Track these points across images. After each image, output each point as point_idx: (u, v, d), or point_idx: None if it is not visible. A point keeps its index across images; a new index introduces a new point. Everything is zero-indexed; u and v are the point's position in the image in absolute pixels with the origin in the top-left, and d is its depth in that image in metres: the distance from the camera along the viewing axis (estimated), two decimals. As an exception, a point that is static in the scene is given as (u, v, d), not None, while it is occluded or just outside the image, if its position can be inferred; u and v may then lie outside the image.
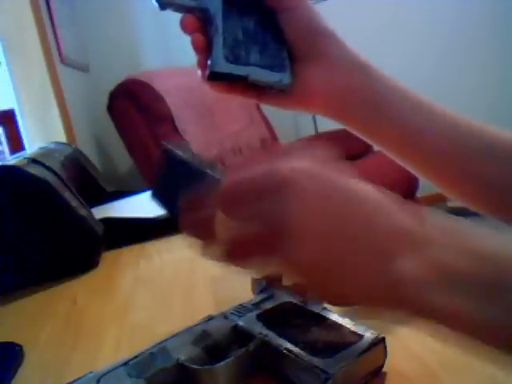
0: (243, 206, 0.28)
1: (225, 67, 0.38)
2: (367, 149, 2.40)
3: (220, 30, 0.39)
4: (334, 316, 0.36)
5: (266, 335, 0.35)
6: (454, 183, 0.34)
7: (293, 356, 0.32)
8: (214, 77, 0.39)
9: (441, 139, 0.37)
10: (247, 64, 0.39)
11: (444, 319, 0.25)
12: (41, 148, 0.88)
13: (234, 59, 0.38)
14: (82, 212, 0.71)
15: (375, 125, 0.34)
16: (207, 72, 0.39)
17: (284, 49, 0.40)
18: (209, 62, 0.38)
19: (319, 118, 2.58)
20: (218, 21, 0.39)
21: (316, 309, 0.38)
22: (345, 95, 0.39)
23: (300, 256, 0.27)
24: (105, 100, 2.27)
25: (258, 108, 2.58)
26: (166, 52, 2.82)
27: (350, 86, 0.39)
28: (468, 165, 0.37)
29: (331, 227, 0.27)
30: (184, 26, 0.40)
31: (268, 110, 2.54)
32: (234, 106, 2.49)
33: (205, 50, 0.39)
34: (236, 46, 0.39)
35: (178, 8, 0.40)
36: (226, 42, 0.38)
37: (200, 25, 0.40)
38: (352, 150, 1.66)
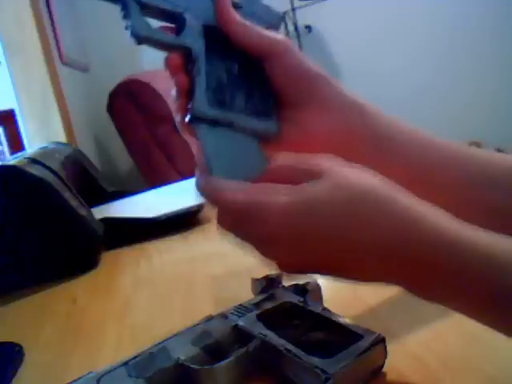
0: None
1: (208, 112, 0.35)
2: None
3: (203, 72, 0.36)
4: (334, 316, 0.36)
5: (265, 335, 0.35)
6: (460, 210, 0.34)
7: (293, 356, 0.32)
8: (196, 122, 0.35)
9: (450, 175, 0.37)
10: (231, 110, 0.36)
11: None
12: (41, 148, 0.88)
13: (218, 104, 0.35)
14: (82, 212, 0.71)
15: (379, 164, 0.34)
16: (188, 116, 0.35)
17: (270, 96, 0.38)
18: (189, 106, 0.35)
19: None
20: (201, 62, 0.36)
21: (316, 309, 0.38)
22: (345, 137, 0.38)
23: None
24: (105, 100, 2.27)
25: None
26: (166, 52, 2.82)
27: (349, 128, 0.38)
28: (474, 193, 0.38)
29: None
30: (169, 66, 0.37)
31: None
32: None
33: (188, 92, 0.36)
34: (220, 90, 0.36)
35: (157, 45, 0.37)
36: (210, 85, 0.36)
37: (184, 64, 0.37)
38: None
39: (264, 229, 0.31)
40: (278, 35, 0.38)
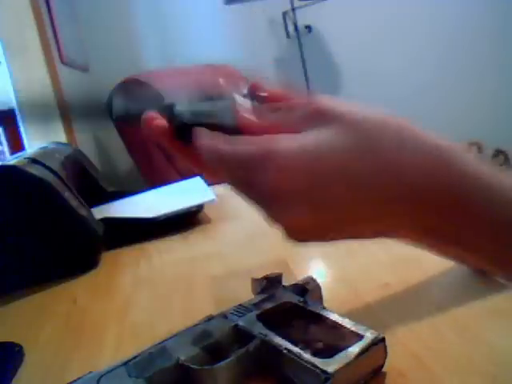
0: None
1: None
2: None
3: None
4: (334, 316, 0.36)
5: (265, 335, 0.35)
6: None
7: (293, 356, 0.32)
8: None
9: None
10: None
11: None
12: (41, 148, 0.88)
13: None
14: (82, 212, 0.71)
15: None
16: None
17: None
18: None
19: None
20: None
21: (316, 309, 0.38)
22: None
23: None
24: (105, 100, 2.27)
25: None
26: (166, 52, 2.82)
27: None
28: None
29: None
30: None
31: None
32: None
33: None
34: None
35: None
36: None
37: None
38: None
39: (273, 177, 0.28)
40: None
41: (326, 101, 0.30)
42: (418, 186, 0.26)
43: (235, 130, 0.32)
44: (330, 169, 0.27)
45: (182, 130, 0.33)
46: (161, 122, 0.34)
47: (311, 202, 0.28)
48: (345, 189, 0.27)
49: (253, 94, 0.35)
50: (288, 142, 0.28)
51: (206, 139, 0.32)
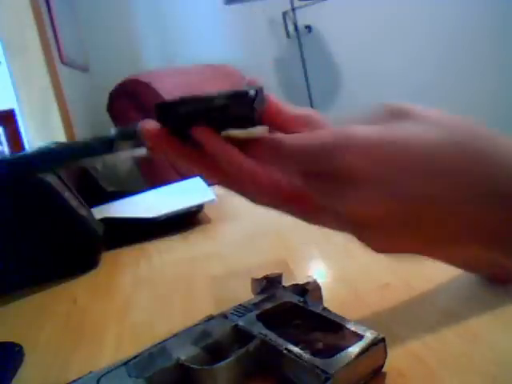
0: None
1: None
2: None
3: None
4: (334, 316, 0.36)
5: (265, 335, 0.35)
6: None
7: (293, 356, 0.32)
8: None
9: None
10: None
11: None
12: (41, 148, 0.88)
13: None
14: (82, 212, 0.71)
15: None
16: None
17: None
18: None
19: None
20: None
21: (316, 309, 0.38)
22: None
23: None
24: (105, 100, 2.27)
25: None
26: (166, 52, 2.82)
27: None
28: None
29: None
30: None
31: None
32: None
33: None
34: None
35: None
36: None
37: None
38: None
39: (350, 161, 0.26)
40: (306, 109, 0.36)
41: (399, 103, 0.29)
42: (506, 187, 0.25)
43: (252, 121, 0.31)
44: (416, 160, 0.26)
45: (179, 125, 0.33)
46: (155, 125, 0.33)
47: (395, 190, 0.26)
48: (428, 181, 0.26)
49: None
50: (367, 130, 0.27)
51: (217, 140, 0.31)
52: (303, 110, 0.35)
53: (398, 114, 0.27)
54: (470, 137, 0.26)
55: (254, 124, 0.32)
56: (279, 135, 0.30)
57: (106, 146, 0.38)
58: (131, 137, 0.36)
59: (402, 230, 0.27)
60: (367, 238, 0.28)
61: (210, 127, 0.32)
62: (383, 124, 0.27)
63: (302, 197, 0.32)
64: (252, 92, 0.31)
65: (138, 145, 0.34)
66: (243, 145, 0.32)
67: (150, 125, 0.33)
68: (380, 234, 0.27)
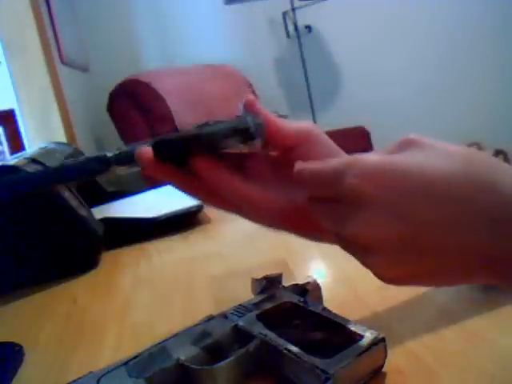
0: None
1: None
2: (366, 149, 2.39)
3: None
4: (334, 316, 0.36)
5: (265, 335, 0.35)
6: None
7: (293, 356, 0.32)
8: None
9: None
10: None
11: None
12: (41, 148, 0.88)
13: None
14: (82, 212, 0.71)
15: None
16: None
17: None
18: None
19: (319, 117, 2.56)
20: None
21: (316, 309, 0.38)
22: None
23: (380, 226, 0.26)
24: (105, 100, 2.27)
25: (258, 108, 2.58)
26: (166, 52, 2.82)
27: None
28: None
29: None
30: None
31: (267, 108, 2.54)
32: (234, 106, 2.49)
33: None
34: None
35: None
36: None
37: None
38: (351, 150, 1.66)
39: (357, 181, 0.27)
40: (305, 123, 0.36)
41: (411, 135, 0.29)
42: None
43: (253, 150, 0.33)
44: (418, 185, 0.26)
45: (177, 160, 0.33)
46: (151, 152, 0.33)
47: (396, 213, 0.26)
48: (431, 206, 0.26)
49: (248, 110, 0.34)
50: (374, 157, 0.28)
51: (218, 171, 0.33)
52: (302, 125, 0.35)
53: (407, 144, 0.28)
54: (475, 164, 0.27)
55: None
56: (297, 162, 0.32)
57: (103, 166, 0.37)
58: (128, 162, 0.36)
59: (404, 255, 0.27)
60: (370, 262, 0.29)
61: (209, 155, 0.33)
62: (393, 153, 0.28)
63: (304, 218, 0.33)
64: (253, 129, 0.32)
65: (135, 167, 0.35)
66: (241, 160, 0.34)
67: (147, 152, 0.33)
68: (383, 259, 0.27)
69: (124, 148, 0.36)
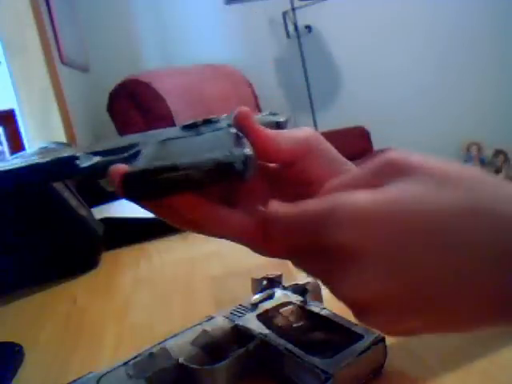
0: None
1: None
2: (366, 149, 2.40)
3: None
4: (334, 316, 0.36)
5: (265, 335, 0.35)
6: None
7: (293, 356, 0.32)
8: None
9: None
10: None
11: None
12: (41, 148, 0.88)
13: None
14: (82, 212, 0.71)
15: None
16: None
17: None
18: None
19: (319, 117, 2.56)
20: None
21: (316, 309, 0.38)
22: None
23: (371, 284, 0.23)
24: (105, 100, 2.27)
25: (258, 107, 2.58)
26: (166, 52, 2.82)
27: None
28: None
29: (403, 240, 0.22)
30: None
31: (267, 108, 2.54)
32: (234, 106, 2.49)
33: None
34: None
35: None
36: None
37: None
38: (351, 150, 1.66)
39: (342, 232, 0.23)
40: (303, 132, 0.32)
41: (395, 153, 0.25)
42: None
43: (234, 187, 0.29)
44: (422, 231, 0.22)
45: (150, 197, 0.28)
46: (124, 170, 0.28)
47: (397, 267, 0.22)
48: (440, 253, 0.22)
49: (238, 125, 0.31)
50: (361, 199, 0.23)
51: (200, 209, 0.28)
52: (299, 137, 0.32)
53: (394, 171, 0.24)
54: (481, 197, 0.23)
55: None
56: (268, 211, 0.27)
57: (70, 170, 0.34)
58: (101, 176, 0.33)
59: (407, 312, 0.24)
60: (369, 322, 0.25)
61: (188, 193, 0.28)
62: (380, 185, 0.24)
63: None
64: (239, 165, 0.26)
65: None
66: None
67: (120, 172, 0.28)
68: (384, 319, 0.24)
69: (95, 160, 0.34)
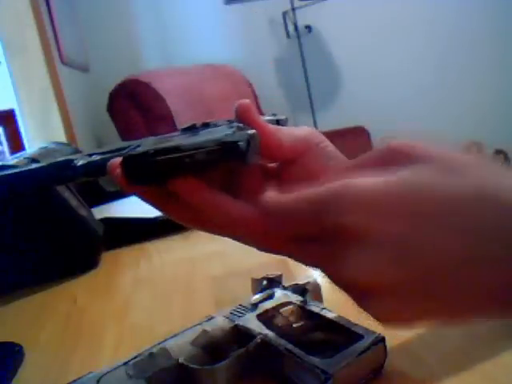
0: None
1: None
2: (366, 149, 2.39)
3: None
4: (334, 316, 0.36)
5: (266, 335, 0.35)
6: None
7: (293, 356, 0.32)
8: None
9: None
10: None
11: None
12: (41, 148, 0.88)
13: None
14: (82, 212, 0.71)
15: None
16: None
17: None
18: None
19: (319, 117, 2.55)
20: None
21: (316, 309, 0.38)
22: None
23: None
24: (105, 100, 2.27)
25: (258, 108, 2.58)
26: (166, 52, 2.82)
27: None
28: None
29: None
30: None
31: (267, 108, 2.54)
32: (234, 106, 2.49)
33: None
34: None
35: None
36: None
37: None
38: (351, 150, 1.66)
39: (351, 217, 0.22)
40: (302, 130, 0.32)
41: (399, 142, 0.25)
42: None
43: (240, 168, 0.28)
44: (432, 210, 0.22)
45: (150, 181, 0.28)
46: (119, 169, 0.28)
47: (402, 247, 0.22)
48: (456, 238, 0.22)
49: (240, 117, 0.31)
50: (370, 182, 0.23)
51: (203, 193, 0.27)
52: (299, 135, 0.32)
53: (401, 157, 0.24)
54: (490, 185, 0.23)
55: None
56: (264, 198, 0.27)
57: (69, 174, 0.34)
58: (99, 174, 0.32)
59: (412, 300, 0.23)
60: (369, 307, 0.24)
61: (190, 175, 0.27)
62: (387, 171, 0.24)
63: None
64: (242, 144, 0.26)
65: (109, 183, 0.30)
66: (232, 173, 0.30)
67: (119, 162, 0.28)
68: (386, 305, 0.23)
69: (93, 158, 0.33)
